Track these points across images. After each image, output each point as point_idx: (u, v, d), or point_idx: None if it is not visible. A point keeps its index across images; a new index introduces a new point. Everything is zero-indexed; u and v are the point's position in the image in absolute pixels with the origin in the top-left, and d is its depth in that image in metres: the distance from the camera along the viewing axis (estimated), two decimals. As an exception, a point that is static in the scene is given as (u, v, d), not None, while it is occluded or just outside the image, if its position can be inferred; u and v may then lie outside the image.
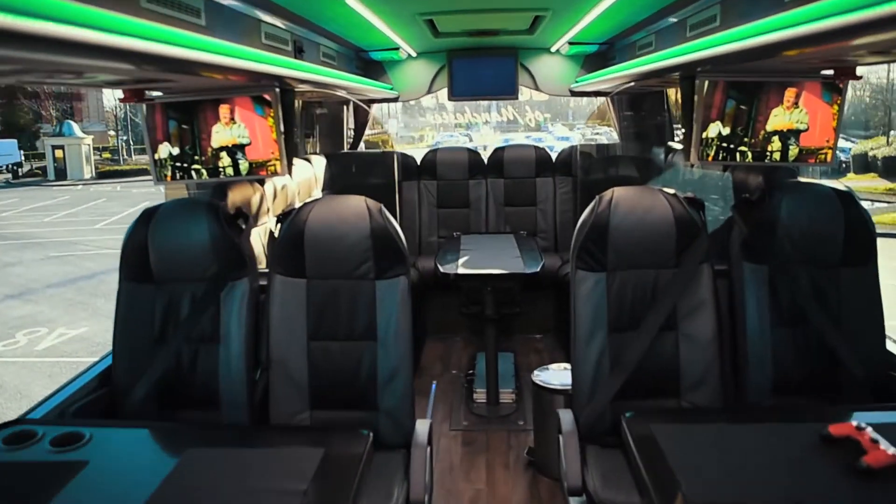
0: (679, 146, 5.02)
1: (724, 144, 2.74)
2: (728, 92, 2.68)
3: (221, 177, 2.80)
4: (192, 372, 2.60)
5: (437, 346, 5.35)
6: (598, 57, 5.54)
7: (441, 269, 3.98)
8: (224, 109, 2.70)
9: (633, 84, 4.47)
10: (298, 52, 3.65)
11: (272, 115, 2.73)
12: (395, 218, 5.20)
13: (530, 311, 5.25)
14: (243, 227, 2.74)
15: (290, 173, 2.91)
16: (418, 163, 5.91)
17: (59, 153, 32.33)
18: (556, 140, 22.26)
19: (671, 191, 2.68)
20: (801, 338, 2.63)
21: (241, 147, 2.76)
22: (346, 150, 6.10)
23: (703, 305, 2.58)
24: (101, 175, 33.42)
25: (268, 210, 3.84)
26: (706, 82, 2.67)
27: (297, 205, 4.59)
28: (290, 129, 2.90)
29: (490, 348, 4.15)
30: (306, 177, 4.72)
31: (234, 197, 3.46)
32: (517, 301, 4.48)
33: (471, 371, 4.60)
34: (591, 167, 5.74)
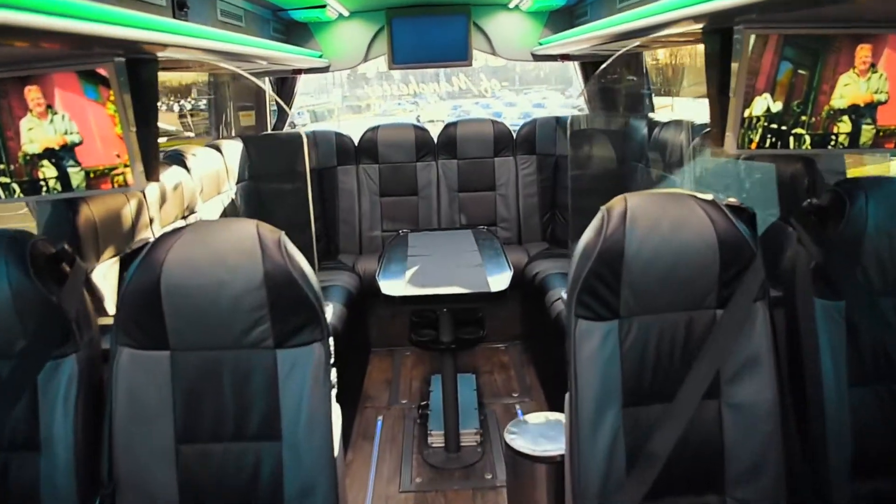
0: (661, 117, 4.22)
1: (774, 126, 1.92)
2: (783, 51, 1.85)
3: (45, 193, 1.89)
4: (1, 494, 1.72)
5: (383, 364, 4.49)
6: (564, 14, 4.68)
7: (384, 291, 3.11)
8: (33, 93, 1.78)
9: (608, 46, 3.65)
10: (179, 8, 2.69)
11: (111, 99, 1.81)
12: (336, 210, 4.32)
13: (491, 315, 4.43)
14: (79, 269, 1.84)
15: (155, 179, 2.01)
16: (356, 143, 5.00)
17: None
18: (504, 106, 21.38)
19: (707, 196, 1.86)
20: (891, 399, 1.86)
21: (70, 149, 1.85)
22: (268, 129, 5.14)
23: (759, 362, 1.78)
24: None
25: (150, 223, 2.91)
26: (752, 37, 1.83)
27: (200, 210, 3.68)
28: (148, 118, 1.99)
29: (448, 381, 3.32)
30: (212, 169, 3.78)
31: (95, 211, 2.54)
32: (481, 321, 3.65)
33: (424, 403, 3.76)
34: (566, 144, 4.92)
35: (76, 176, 1.87)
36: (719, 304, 1.78)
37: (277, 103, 5.06)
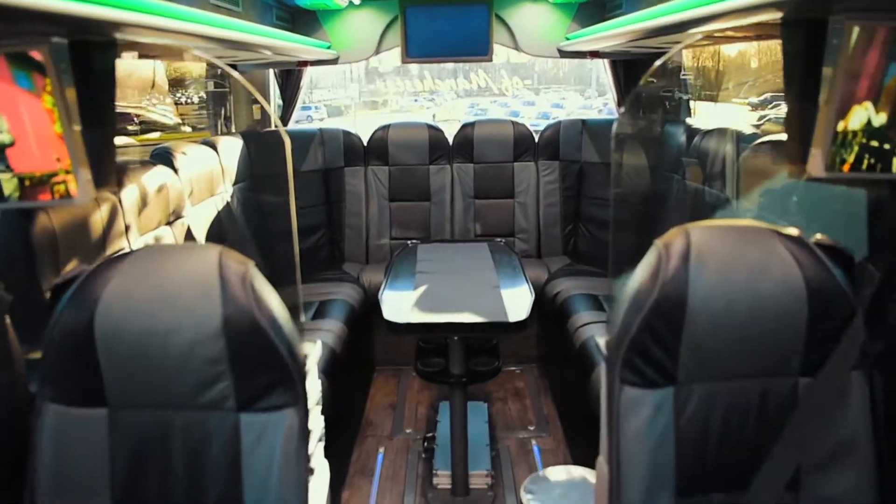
0: (701, 124, 3.83)
1: (876, 143, 1.53)
2: (893, 49, 1.47)
3: (-33, 203, 1.53)
4: None
5: (387, 385, 4.12)
6: (595, 6, 4.30)
7: (386, 316, 2.74)
8: (-55, 80, 1.42)
9: (645, 43, 3.28)
10: None
11: (48, 90, 1.46)
12: (342, 214, 3.96)
13: (506, 336, 4.05)
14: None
15: (110, 187, 1.65)
16: (365, 142, 4.64)
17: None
18: (522, 105, 20.98)
19: (793, 231, 1.48)
20: None
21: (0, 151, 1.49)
22: (272, 126, 4.79)
23: (854, 448, 1.40)
24: None
25: (125, 231, 2.56)
26: (855, 30, 1.45)
27: (188, 215, 3.33)
28: (101, 115, 1.63)
29: (457, 417, 2.94)
30: (205, 169, 3.43)
31: (55, 219, 2.20)
32: (497, 350, 3.27)
33: (430, 434, 3.39)
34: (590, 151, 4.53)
35: (7, 184, 1.51)
36: (805, 370, 1.40)
37: (258, 100, 4.70)
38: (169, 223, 2.95)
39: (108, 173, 1.66)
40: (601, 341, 1.84)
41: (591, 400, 2.89)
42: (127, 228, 2.55)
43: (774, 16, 1.73)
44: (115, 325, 1.33)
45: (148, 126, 5.90)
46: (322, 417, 2.02)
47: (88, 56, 1.58)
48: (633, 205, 3.96)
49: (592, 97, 21.28)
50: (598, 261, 4.34)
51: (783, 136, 2.70)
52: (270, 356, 1.34)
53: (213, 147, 3.68)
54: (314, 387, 1.94)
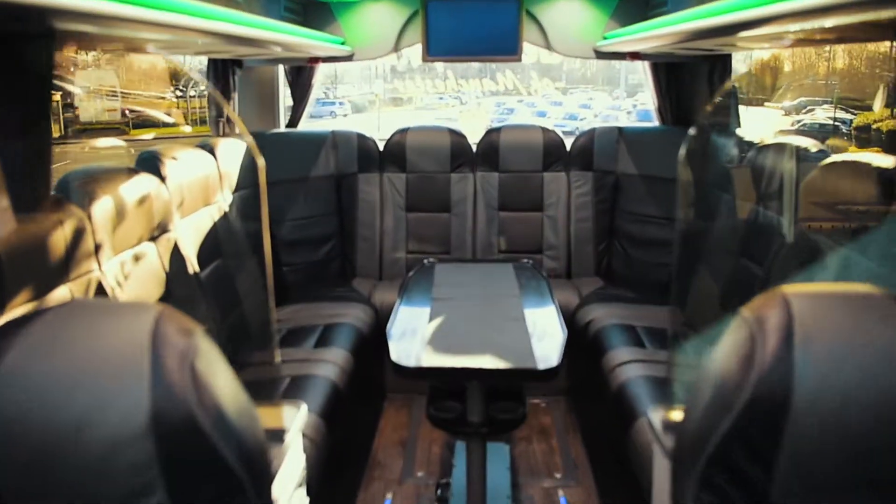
0: (757, 138, 3.42)
1: None
2: None
3: None
4: None
5: (398, 417, 3.73)
6: (635, 3, 3.90)
7: (394, 357, 2.36)
8: None
9: (692, 44, 2.91)
10: None
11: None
12: (354, 225, 3.63)
13: None
14: None
15: (42, 213, 1.31)
16: (381, 147, 4.28)
17: None
18: (550, 105, 20.53)
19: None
20: None
21: None
22: (281, 127, 4.43)
23: None
24: None
25: (95, 252, 2.21)
26: None
27: (176, 228, 2.98)
28: (29, 123, 1.28)
29: (476, 469, 2.56)
30: (199, 175, 3.08)
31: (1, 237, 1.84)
32: (522, 395, 2.88)
33: (444, 481, 3.01)
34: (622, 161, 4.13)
35: None
36: None
37: (295, 99, 4.34)
38: (153, 238, 2.60)
39: (41, 196, 1.31)
40: (651, 412, 1.47)
41: (629, 455, 2.51)
42: (97, 248, 2.20)
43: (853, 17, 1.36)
44: (11, 415, 0.97)
45: (146, 121, 5.58)
46: (307, 500, 1.66)
47: (18, 52, 1.23)
48: (699, 234, 3.58)
49: (621, 98, 20.80)
50: (635, 284, 3.95)
51: (864, 156, 2.28)
52: (213, 465, 0.97)
53: (211, 150, 3.33)
54: (296, 465, 1.58)
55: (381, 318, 3.63)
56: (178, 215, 2.83)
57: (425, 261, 3.50)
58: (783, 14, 1.77)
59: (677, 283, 3.78)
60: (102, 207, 2.26)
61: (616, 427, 2.75)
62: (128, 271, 2.38)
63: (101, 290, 2.18)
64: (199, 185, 3.09)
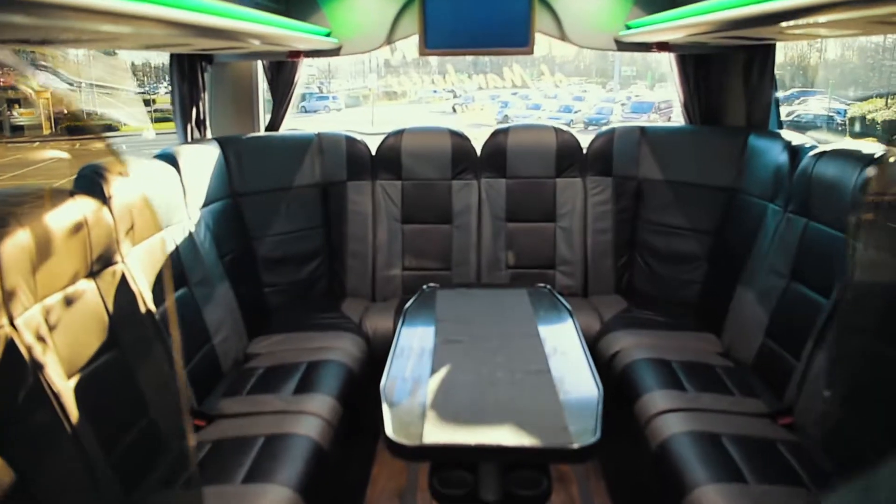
0: (811, 139, 2.96)
1: None
2: None
3: None
4: None
5: (394, 465, 3.20)
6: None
7: (389, 433, 1.88)
8: None
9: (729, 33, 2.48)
10: None
11: None
12: (343, 239, 3.15)
13: None
14: None
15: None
16: (373, 151, 3.80)
17: None
18: (544, 98, 20.05)
19: None
20: None
21: None
22: (261, 130, 3.94)
23: None
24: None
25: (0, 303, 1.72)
26: None
27: (125, 259, 2.48)
28: None
29: None
30: (156, 192, 2.61)
31: None
32: (546, 466, 2.37)
33: None
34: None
35: None
36: None
37: (275, 99, 3.85)
38: (91, 275, 2.11)
39: None
40: None
41: None
42: (6, 298, 1.72)
43: None
44: None
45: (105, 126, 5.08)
46: None
47: None
48: (737, 247, 3.12)
49: (615, 90, 20.33)
50: (660, 303, 3.48)
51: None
52: None
53: (174, 160, 2.85)
54: None
55: (373, 349, 3.17)
56: (126, 243, 2.35)
57: (425, 286, 3.02)
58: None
59: (709, 305, 3.33)
60: (14, 244, 1.77)
61: (653, 486, 2.30)
62: (55, 320, 1.89)
63: (12, 348, 1.70)
64: (157, 204, 2.61)
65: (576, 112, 17.65)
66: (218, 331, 2.86)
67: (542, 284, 3.06)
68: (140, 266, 2.38)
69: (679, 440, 2.28)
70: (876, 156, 2.34)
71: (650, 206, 3.67)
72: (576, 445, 1.77)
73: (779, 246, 2.78)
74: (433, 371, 2.15)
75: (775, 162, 2.95)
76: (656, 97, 17.15)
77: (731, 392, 2.62)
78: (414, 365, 2.24)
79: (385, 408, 1.95)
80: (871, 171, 2.31)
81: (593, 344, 3.17)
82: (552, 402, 1.96)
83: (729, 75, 3.62)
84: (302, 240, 3.62)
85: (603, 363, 3.02)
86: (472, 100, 19.05)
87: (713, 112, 3.76)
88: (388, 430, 1.85)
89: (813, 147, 2.84)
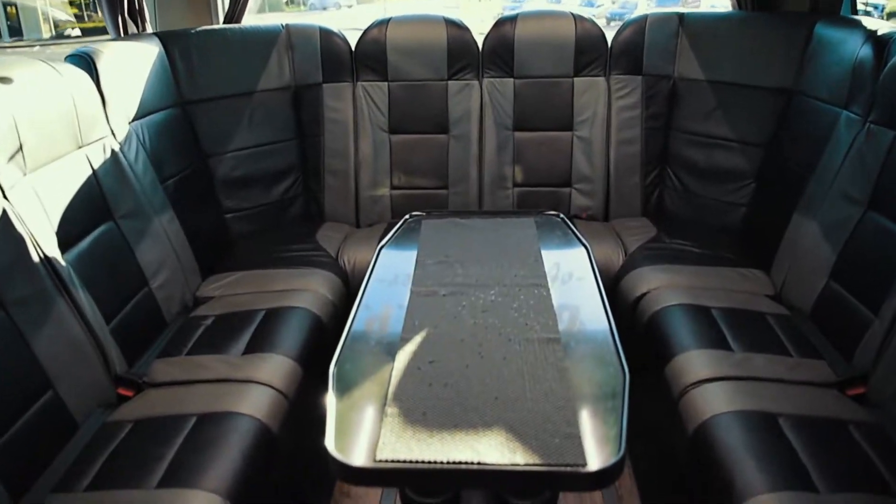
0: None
1: None
2: None
3: None
4: None
5: None
6: None
7: (333, 452, 1.34)
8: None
9: None
10: None
11: None
12: (320, 153, 2.46)
13: None
14: None
15: None
16: (353, 46, 3.16)
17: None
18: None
19: None
20: None
21: None
22: (219, 22, 3.29)
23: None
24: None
25: None
26: None
27: (12, 192, 1.86)
28: None
29: None
30: (59, 105, 2.04)
31: None
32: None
33: None
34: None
35: None
36: None
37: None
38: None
39: None
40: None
41: None
42: None
43: None
44: None
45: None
46: None
47: None
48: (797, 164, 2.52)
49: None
50: (696, 231, 2.91)
51: None
52: None
53: (87, 63, 2.26)
54: None
55: (351, 289, 2.64)
56: (15, 170, 1.80)
57: (408, 216, 2.45)
58: None
59: (758, 235, 2.75)
60: None
61: (693, 483, 1.80)
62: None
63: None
64: (62, 120, 2.04)
65: (598, 6, 16.50)
66: (157, 273, 2.33)
67: (552, 212, 2.48)
68: (38, 197, 1.84)
69: (724, 424, 1.74)
70: None
71: (688, 111, 3.04)
72: (592, 466, 1.24)
73: (855, 165, 2.17)
74: (399, 347, 1.61)
75: (853, 57, 2.30)
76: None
77: (788, 351, 2.06)
78: (378, 335, 1.71)
79: (329, 406, 1.42)
80: None
81: (615, 283, 2.63)
82: (566, 404, 1.41)
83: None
84: (269, 156, 3.05)
85: (626, 307, 2.48)
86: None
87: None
88: (330, 442, 1.33)
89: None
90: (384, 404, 1.41)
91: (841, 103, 2.35)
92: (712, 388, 1.89)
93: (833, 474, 1.56)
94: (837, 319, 2.11)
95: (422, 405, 1.40)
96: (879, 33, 2.26)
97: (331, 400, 1.42)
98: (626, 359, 1.54)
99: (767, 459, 1.60)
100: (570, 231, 2.32)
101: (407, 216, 2.43)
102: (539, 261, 2.06)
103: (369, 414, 1.40)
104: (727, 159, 2.93)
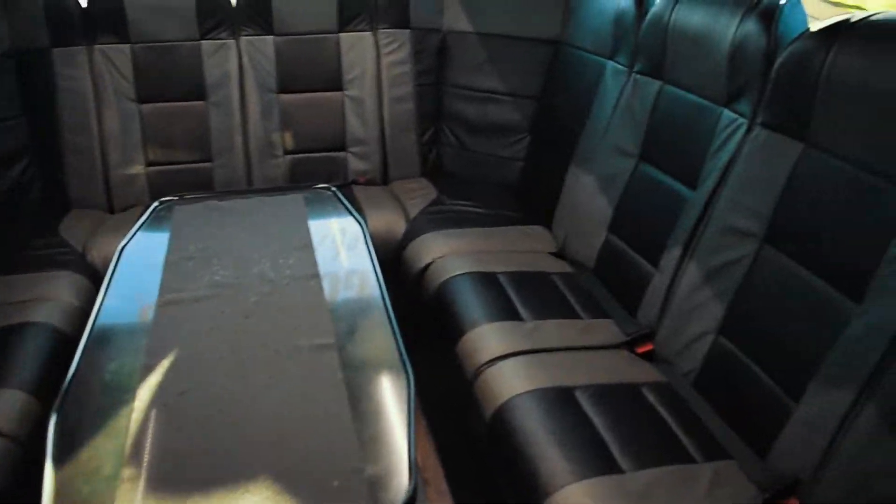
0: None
1: None
2: None
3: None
4: None
5: None
6: None
7: None
8: None
9: None
10: None
11: None
12: (57, 129, 2.10)
13: None
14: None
15: None
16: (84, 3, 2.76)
17: None
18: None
19: None
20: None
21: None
22: None
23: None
24: None
25: None
26: None
27: None
28: None
29: None
30: None
31: None
32: None
33: None
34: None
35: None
36: None
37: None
38: None
39: None
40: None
41: None
42: None
43: None
44: None
45: None
46: None
47: None
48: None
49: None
50: (477, 188, 2.87)
51: None
52: None
53: None
54: None
55: (97, 282, 2.33)
56: None
57: (157, 203, 2.18)
58: None
59: (537, 190, 2.75)
60: None
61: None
62: None
63: None
64: None
65: None
66: None
67: (322, 185, 2.30)
68: None
69: (522, 406, 1.68)
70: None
71: (459, 65, 2.97)
72: None
73: (625, 117, 2.20)
74: (144, 374, 1.39)
75: (614, 6, 2.31)
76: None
77: (577, 313, 2.06)
78: (115, 365, 1.47)
79: (47, 476, 1.19)
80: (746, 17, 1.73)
81: (399, 252, 2.53)
82: (339, 419, 1.28)
83: None
84: (-9, 136, 2.60)
85: (412, 279, 2.39)
86: None
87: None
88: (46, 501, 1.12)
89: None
90: (119, 465, 1.20)
91: (606, 53, 2.36)
92: (506, 366, 1.82)
93: (635, 450, 1.51)
94: (619, 273, 2.14)
95: (169, 459, 1.20)
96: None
97: (49, 467, 1.19)
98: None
99: (570, 444, 1.53)
100: (342, 206, 2.17)
101: (156, 203, 2.16)
102: (309, 247, 1.90)
103: (99, 482, 1.18)
104: (500, 113, 2.90)
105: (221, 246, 1.90)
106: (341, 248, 1.95)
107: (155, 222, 2.07)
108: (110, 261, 2.36)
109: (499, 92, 2.90)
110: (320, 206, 2.18)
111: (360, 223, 2.05)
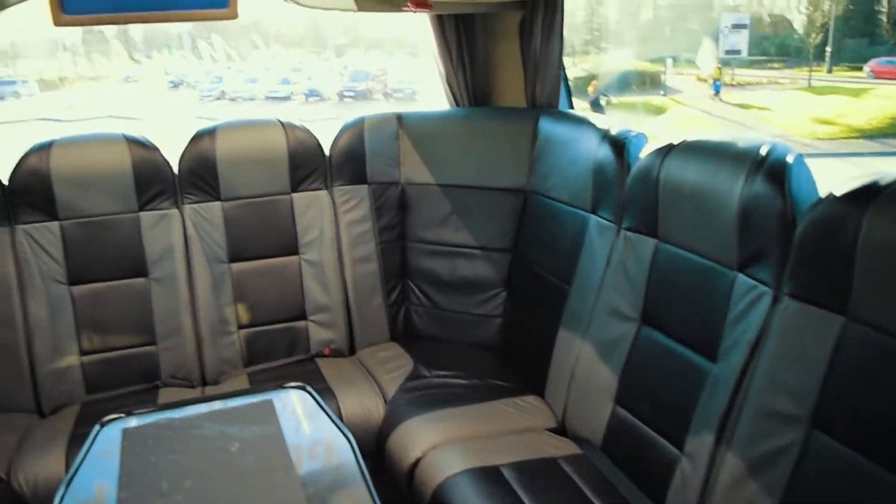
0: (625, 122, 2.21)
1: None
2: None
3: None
4: None
5: None
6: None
7: None
8: None
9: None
10: None
11: None
12: None
13: None
14: None
15: None
16: (5, 180, 2.47)
17: None
18: (262, 71, 18.59)
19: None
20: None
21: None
22: None
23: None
24: None
25: None
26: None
27: None
28: None
29: None
30: None
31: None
32: None
33: None
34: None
35: None
36: None
37: None
38: None
39: None
40: None
41: None
42: None
43: None
44: None
45: None
46: None
47: None
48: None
49: (331, 59, 19.50)
50: (453, 351, 2.63)
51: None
52: None
53: None
54: None
55: None
56: None
57: (98, 424, 1.81)
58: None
59: (519, 348, 2.52)
60: None
61: None
62: None
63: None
64: None
65: (295, 84, 16.77)
66: None
67: (294, 384, 1.98)
68: None
69: None
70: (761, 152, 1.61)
71: (422, 219, 2.78)
72: None
73: (618, 277, 2.01)
74: None
75: (592, 159, 2.17)
76: (371, 65, 17.31)
77: (596, 508, 1.80)
78: None
79: None
80: (752, 176, 1.59)
81: (381, 443, 2.21)
82: None
83: (502, 40, 2.80)
84: None
85: (401, 478, 2.06)
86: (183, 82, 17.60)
87: (485, 90, 2.93)
88: None
89: (640, 136, 2.10)
90: None
91: (586, 207, 2.20)
92: None
93: None
94: (634, 453, 1.88)
95: None
96: (612, 132, 2.15)
97: None
98: None
99: None
100: (322, 412, 1.86)
101: (97, 425, 1.79)
102: (292, 475, 1.58)
103: None
104: (471, 268, 2.70)
105: (182, 483, 1.55)
106: (326, 476, 1.63)
107: (99, 452, 1.70)
108: (41, 486, 1.98)
109: (468, 245, 2.71)
110: (295, 418, 1.84)
111: (347, 437, 1.73)
